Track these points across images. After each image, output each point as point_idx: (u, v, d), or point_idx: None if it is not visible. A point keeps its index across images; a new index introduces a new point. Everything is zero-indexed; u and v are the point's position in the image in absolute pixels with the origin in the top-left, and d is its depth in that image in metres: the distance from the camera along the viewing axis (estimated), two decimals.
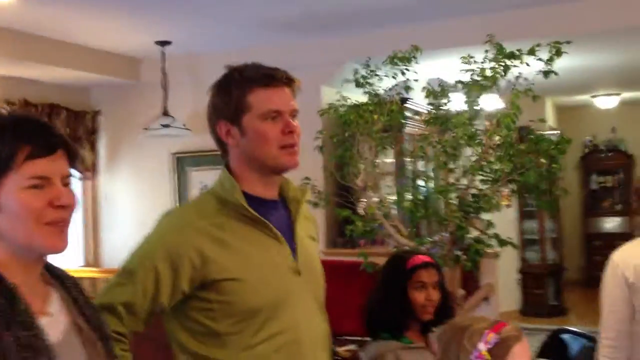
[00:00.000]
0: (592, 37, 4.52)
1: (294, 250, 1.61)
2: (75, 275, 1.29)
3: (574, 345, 3.73)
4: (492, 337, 1.45)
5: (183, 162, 5.56)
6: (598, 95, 7.75)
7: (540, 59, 3.34)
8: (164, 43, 4.86)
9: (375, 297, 2.24)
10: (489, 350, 1.45)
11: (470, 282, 4.37)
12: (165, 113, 5.07)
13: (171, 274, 1.51)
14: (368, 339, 2.25)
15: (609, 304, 2.45)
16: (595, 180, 8.91)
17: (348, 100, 3.83)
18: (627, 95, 7.77)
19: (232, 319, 1.51)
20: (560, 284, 7.23)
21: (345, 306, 2.40)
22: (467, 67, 3.47)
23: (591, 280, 8.43)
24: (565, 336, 3.82)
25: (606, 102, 7.86)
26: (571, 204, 8.43)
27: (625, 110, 8.28)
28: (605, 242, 8.55)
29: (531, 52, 3.34)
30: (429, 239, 3.66)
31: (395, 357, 2.10)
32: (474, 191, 3.55)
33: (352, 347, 3.34)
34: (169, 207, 1.72)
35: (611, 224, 8.75)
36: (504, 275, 6.50)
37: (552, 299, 7.08)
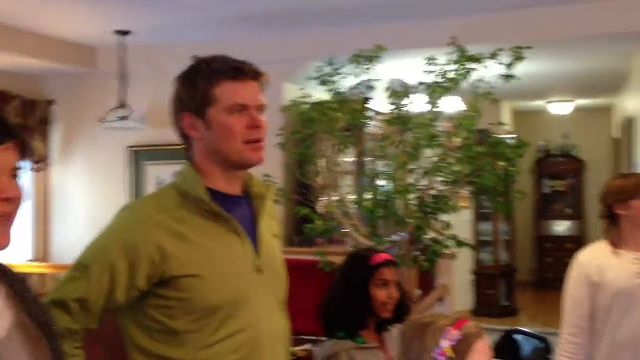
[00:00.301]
0: (550, 44, 4.61)
1: (256, 247, 1.58)
2: (23, 270, 1.23)
3: (526, 346, 3.81)
4: (454, 334, 1.46)
5: (139, 156, 5.45)
6: (552, 101, 7.93)
7: (501, 63, 3.40)
8: (123, 33, 4.76)
9: (334, 294, 2.24)
10: (446, 348, 1.46)
11: (426, 282, 4.40)
12: (122, 105, 4.96)
13: (128, 270, 1.47)
14: (324, 338, 2.24)
15: (572, 302, 2.54)
16: (547, 184, 9.13)
17: (310, 97, 3.81)
18: (580, 102, 7.97)
19: (191, 316, 1.48)
20: (511, 285, 7.37)
21: (301, 305, 2.38)
22: (430, 68, 3.50)
23: (542, 281, 8.66)
24: (517, 336, 3.89)
25: (560, 108, 8.05)
26: (524, 207, 8.60)
27: (578, 116, 8.50)
28: (555, 245, 8.78)
29: (493, 56, 3.39)
30: (387, 238, 3.67)
31: (349, 356, 2.10)
32: (433, 192, 3.58)
33: (307, 346, 3.33)
34: (123, 202, 1.67)
35: (561, 227, 8.98)
36: (457, 275, 6.60)
37: (503, 299, 7.21)
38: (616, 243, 2.56)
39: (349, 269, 2.26)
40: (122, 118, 4.91)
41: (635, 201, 2.50)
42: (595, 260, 2.55)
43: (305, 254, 3.91)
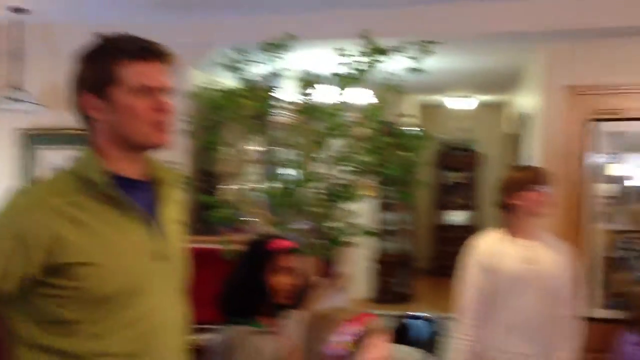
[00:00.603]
0: (453, 41, 4.75)
1: (157, 234, 1.54)
2: None
3: (422, 330, 3.97)
4: (352, 328, 1.49)
5: (33, 140, 5.17)
6: (455, 97, 8.23)
7: (410, 57, 3.48)
8: (18, 10, 4.49)
9: (233, 280, 2.23)
10: (347, 342, 1.49)
11: (329, 270, 4.47)
12: (15, 86, 4.69)
13: (19, 258, 1.39)
14: (222, 326, 2.22)
15: (468, 287, 2.68)
16: (447, 176, 9.49)
17: (218, 84, 3.76)
18: (482, 98, 8.31)
19: (83, 306, 1.42)
20: (411, 273, 7.62)
21: (203, 294, 2.36)
22: (340, 59, 3.53)
23: (439, 269, 9.00)
24: (413, 321, 4.05)
25: (462, 103, 8.36)
26: (425, 198, 8.91)
27: (478, 112, 8.87)
28: (452, 234, 9.15)
29: (401, 49, 3.47)
30: (291, 226, 3.69)
31: (248, 342, 2.09)
32: (339, 181, 3.63)
33: (208, 335, 3.29)
34: (15, 187, 1.58)
35: (458, 217, 9.37)
36: (360, 263, 6.74)
37: (403, 287, 7.44)
38: (509, 231, 2.72)
39: (249, 255, 2.26)
40: (15, 100, 4.64)
41: (527, 192, 2.67)
42: (490, 247, 2.71)
43: (208, 243, 3.86)
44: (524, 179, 2.70)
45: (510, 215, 2.73)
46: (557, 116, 4.47)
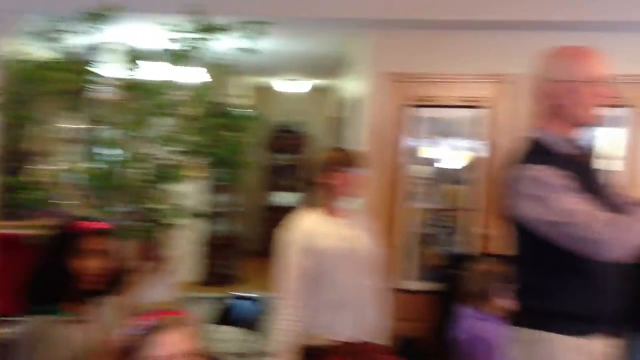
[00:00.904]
0: (285, 23, 4.78)
1: None
2: None
3: (247, 310, 4.03)
4: (139, 322, 1.49)
5: None
6: (286, 79, 8.33)
7: (241, 37, 3.45)
8: None
9: (36, 267, 2.07)
10: (132, 335, 1.50)
11: (152, 253, 4.34)
12: None
13: None
14: (26, 316, 2.06)
15: (290, 267, 2.72)
16: (277, 158, 9.64)
17: (28, 54, 3.46)
18: (312, 81, 8.50)
19: None
20: (239, 254, 7.65)
21: (5, 283, 2.18)
22: (169, 35, 3.41)
23: (266, 250, 9.14)
24: (238, 302, 4.09)
25: (293, 86, 8.50)
26: (254, 179, 8.97)
27: (308, 95, 9.07)
28: (279, 215, 9.30)
29: (232, 28, 3.43)
30: (111, 209, 3.52)
31: (52, 332, 1.96)
32: (165, 162, 3.52)
33: (12, 328, 3.04)
34: None
35: (286, 198, 9.58)
36: (187, 246, 6.63)
37: (231, 268, 7.45)
38: (325, 210, 2.82)
39: (52, 239, 2.11)
40: None
41: (340, 173, 2.77)
42: (308, 226, 2.78)
43: (12, 228, 3.56)
44: (338, 160, 2.81)
45: (325, 194, 2.83)
46: (378, 101, 4.69)
